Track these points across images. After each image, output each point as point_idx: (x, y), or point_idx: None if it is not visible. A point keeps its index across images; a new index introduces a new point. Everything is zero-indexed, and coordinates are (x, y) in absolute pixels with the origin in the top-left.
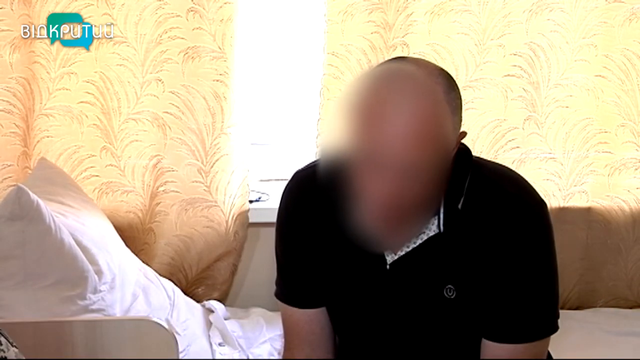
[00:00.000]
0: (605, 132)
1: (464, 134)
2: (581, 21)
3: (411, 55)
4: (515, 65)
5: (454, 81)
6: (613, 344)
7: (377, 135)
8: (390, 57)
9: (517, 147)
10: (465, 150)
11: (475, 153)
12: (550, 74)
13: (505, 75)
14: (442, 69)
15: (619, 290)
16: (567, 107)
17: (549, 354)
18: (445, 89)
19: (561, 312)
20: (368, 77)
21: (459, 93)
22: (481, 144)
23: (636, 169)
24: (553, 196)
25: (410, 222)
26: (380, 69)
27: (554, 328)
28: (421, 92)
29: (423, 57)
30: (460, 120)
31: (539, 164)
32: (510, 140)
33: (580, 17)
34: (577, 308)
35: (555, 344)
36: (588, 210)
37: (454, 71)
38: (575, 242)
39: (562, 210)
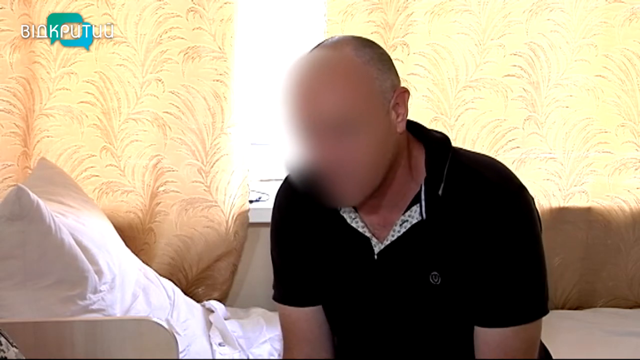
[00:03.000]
0: (605, 132)
1: (404, 90)
2: (581, 21)
3: (411, 55)
4: (515, 65)
5: (372, 42)
6: (613, 344)
7: (299, 101)
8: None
9: (517, 147)
10: (442, 138)
11: None
12: (550, 74)
13: (505, 75)
14: (358, 37)
15: (619, 290)
16: (567, 107)
17: (548, 354)
18: (354, 47)
19: (561, 312)
20: (289, 69)
21: (378, 50)
22: (481, 144)
23: (636, 169)
24: (553, 196)
25: (357, 178)
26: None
27: (543, 311)
28: (329, 55)
29: (423, 56)
30: (390, 73)
31: (539, 164)
32: (510, 140)
33: (580, 17)
34: (577, 308)
35: (556, 344)
36: (588, 210)
37: (454, 71)
38: (575, 242)
39: (562, 210)
